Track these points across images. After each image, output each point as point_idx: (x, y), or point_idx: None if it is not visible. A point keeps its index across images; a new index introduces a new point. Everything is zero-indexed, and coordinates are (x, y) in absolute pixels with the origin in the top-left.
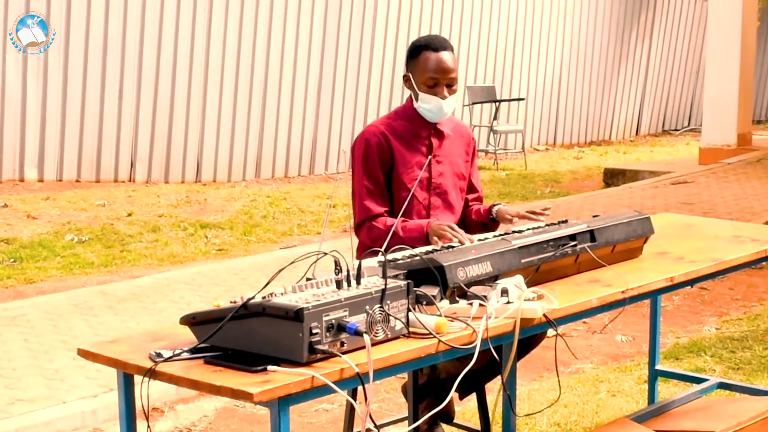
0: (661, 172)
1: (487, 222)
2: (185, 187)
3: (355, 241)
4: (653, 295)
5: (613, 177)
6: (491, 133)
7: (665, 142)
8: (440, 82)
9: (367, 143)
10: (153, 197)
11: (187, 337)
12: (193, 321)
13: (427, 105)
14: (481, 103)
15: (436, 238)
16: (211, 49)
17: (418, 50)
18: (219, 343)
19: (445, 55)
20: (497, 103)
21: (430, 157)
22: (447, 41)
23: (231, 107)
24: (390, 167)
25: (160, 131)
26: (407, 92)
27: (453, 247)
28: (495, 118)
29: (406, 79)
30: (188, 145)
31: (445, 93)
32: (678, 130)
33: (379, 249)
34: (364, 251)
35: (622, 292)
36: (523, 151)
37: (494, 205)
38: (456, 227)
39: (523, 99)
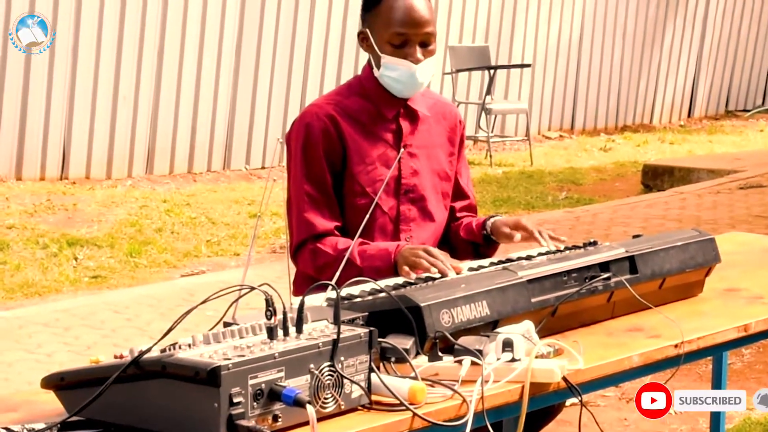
0: (724, 170)
1: (481, 242)
2: (46, 187)
3: (293, 269)
4: (719, 350)
5: (656, 177)
6: (483, 114)
7: (729, 128)
8: (411, 38)
9: (307, 130)
10: (0, 200)
11: (52, 405)
12: (60, 383)
13: (393, 73)
14: (470, 70)
15: (407, 269)
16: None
17: None
18: (98, 416)
19: (417, 1)
20: (492, 72)
21: (402, 149)
22: None
23: (111, 77)
24: (341, 164)
25: (10, 111)
26: (364, 58)
27: (434, 279)
28: (489, 92)
29: (362, 37)
30: (50, 129)
31: (419, 55)
32: (747, 111)
33: (328, 282)
34: (306, 284)
35: (675, 345)
36: (527, 139)
37: (490, 218)
38: (436, 252)
39: (528, 65)
